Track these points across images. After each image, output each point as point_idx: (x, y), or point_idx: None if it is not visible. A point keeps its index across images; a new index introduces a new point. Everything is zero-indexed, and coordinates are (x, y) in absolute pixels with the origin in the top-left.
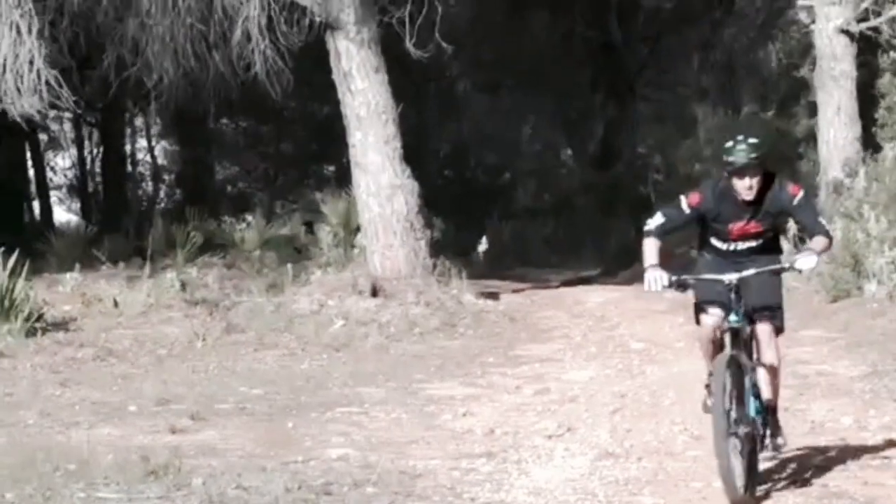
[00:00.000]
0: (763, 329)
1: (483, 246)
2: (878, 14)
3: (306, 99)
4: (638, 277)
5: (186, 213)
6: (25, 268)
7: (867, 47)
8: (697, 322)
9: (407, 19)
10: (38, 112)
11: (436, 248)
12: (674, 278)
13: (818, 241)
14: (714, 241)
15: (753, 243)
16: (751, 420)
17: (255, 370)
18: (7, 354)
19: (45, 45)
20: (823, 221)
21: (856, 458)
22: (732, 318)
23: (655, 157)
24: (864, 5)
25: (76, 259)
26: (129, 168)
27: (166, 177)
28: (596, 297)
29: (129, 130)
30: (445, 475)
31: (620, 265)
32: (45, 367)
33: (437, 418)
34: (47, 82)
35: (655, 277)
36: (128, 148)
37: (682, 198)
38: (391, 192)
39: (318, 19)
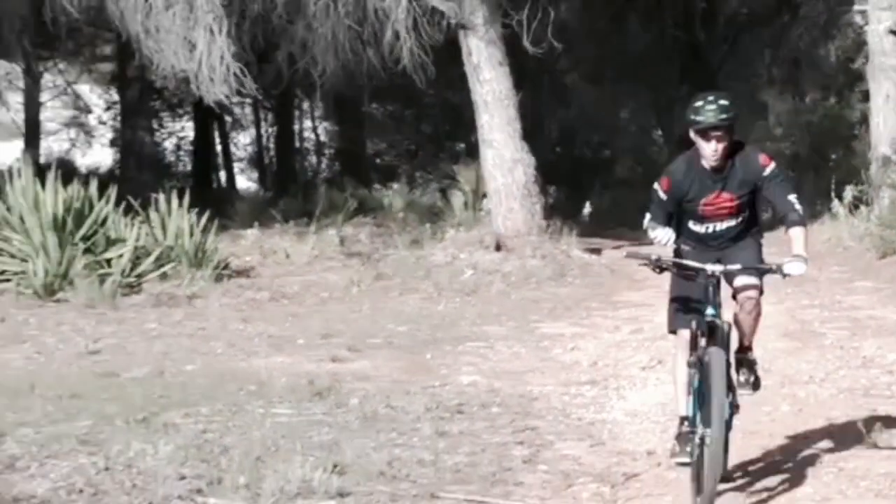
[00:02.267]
0: (748, 291)
1: (588, 209)
2: None
3: (442, 87)
4: None
5: (343, 182)
6: (214, 226)
7: None
8: (670, 330)
9: (525, 22)
10: (226, 98)
11: (549, 211)
12: (656, 256)
13: (799, 240)
14: (691, 226)
15: (731, 223)
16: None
17: (399, 311)
18: (200, 296)
19: (232, 43)
20: (796, 201)
21: None
22: (709, 311)
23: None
24: None
25: (255, 218)
26: (297, 144)
27: (327, 151)
28: None
29: (297, 113)
30: (557, 399)
31: None
32: (231, 306)
33: (549, 352)
34: (234, 74)
35: (664, 233)
36: (296, 127)
37: (656, 185)
38: (512, 165)
39: (453, 21)
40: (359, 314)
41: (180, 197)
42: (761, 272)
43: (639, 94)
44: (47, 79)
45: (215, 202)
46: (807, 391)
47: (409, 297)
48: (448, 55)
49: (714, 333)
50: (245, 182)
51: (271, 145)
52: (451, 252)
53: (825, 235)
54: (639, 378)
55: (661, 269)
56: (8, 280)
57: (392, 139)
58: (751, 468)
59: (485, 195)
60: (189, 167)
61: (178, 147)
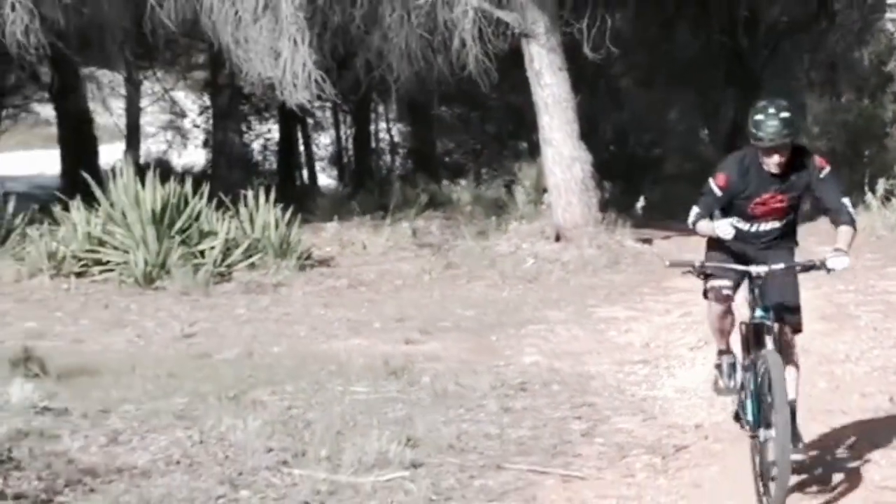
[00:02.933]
0: (790, 333)
1: (640, 203)
2: None
3: (506, 91)
4: None
5: (416, 178)
6: (298, 219)
7: None
8: (706, 296)
9: (585, 30)
10: (308, 102)
11: (604, 205)
12: (697, 262)
13: (845, 236)
14: (736, 223)
15: (776, 224)
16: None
17: (467, 297)
18: (285, 284)
19: (314, 52)
20: (849, 203)
21: None
22: (759, 312)
23: None
24: None
25: (334, 212)
26: (373, 144)
27: (400, 151)
28: None
29: (373, 116)
30: (612, 377)
31: None
32: (313, 293)
33: (604, 334)
34: (315, 80)
35: (726, 226)
36: (372, 129)
37: (711, 181)
38: (571, 162)
39: (516, 30)
40: (429, 300)
41: (267, 193)
42: (805, 268)
43: (687, 96)
44: (146, 86)
45: (298, 198)
46: (843, 369)
47: (475, 284)
48: (511, 61)
49: (763, 335)
50: (325, 179)
51: (349, 145)
52: (514, 242)
53: (859, 225)
54: (687, 357)
55: (706, 276)
56: (111, 270)
57: (459, 139)
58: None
59: (545, 190)
60: (274, 166)
61: (265, 147)
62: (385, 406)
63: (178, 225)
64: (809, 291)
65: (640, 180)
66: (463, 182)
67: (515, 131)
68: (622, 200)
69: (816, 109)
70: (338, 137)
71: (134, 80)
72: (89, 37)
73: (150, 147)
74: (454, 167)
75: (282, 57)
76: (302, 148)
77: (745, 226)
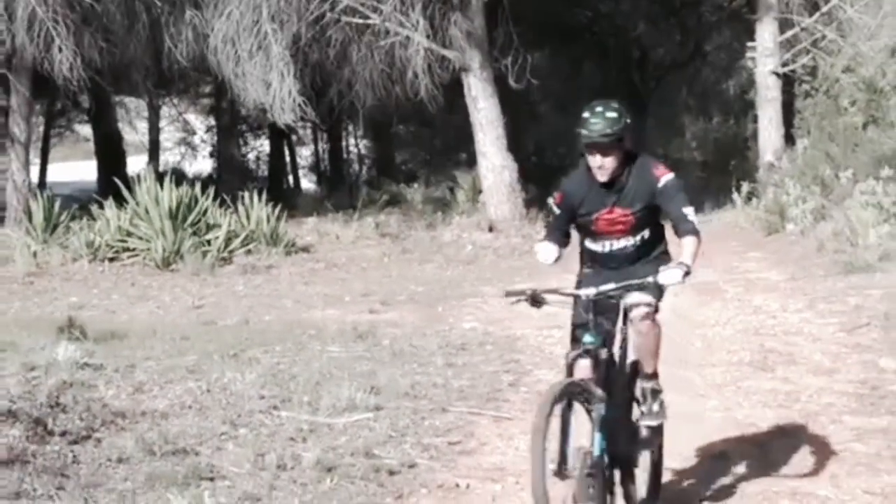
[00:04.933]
0: (639, 298)
1: None
2: (794, 62)
3: (449, 113)
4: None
5: (378, 183)
6: (285, 215)
7: (787, 81)
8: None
9: (510, 65)
10: (293, 122)
11: (527, 203)
12: (529, 290)
13: (688, 248)
14: (588, 244)
15: (628, 241)
16: (597, 459)
17: (419, 276)
18: (275, 266)
19: (297, 82)
20: (691, 213)
21: (782, 328)
22: (587, 338)
23: (658, 148)
24: (785, 57)
25: (314, 210)
26: (345, 156)
27: (366, 161)
28: None
29: (344, 133)
30: (533, 339)
31: None
32: (296, 273)
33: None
34: (299, 105)
35: (546, 251)
36: (343, 143)
37: (550, 201)
38: (500, 170)
39: (457, 65)
40: (389, 278)
41: (260, 194)
42: (632, 287)
43: None
44: (164, 110)
45: (285, 198)
46: (713, 332)
47: (425, 266)
48: (453, 89)
49: (597, 365)
50: (307, 183)
51: (326, 157)
52: (456, 233)
53: (727, 219)
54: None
55: (539, 304)
56: (137, 255)
57: (413, 151)
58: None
59: (480, 191)
60: (266, 173)
61: (258, 158)
62: (354, 362)
63: (190, 219)
64: None
65: (556, 184)
66: (416, 185)
67: (457, 145)
68: (541, 200)
69: (693, 129)
70: (316, 150)
71: (154, 105)
72: (119, 71)
73: (168, 158)
74: (409, 173)
75: (272, 87)
76: (288, 158)
77: (596, 246)
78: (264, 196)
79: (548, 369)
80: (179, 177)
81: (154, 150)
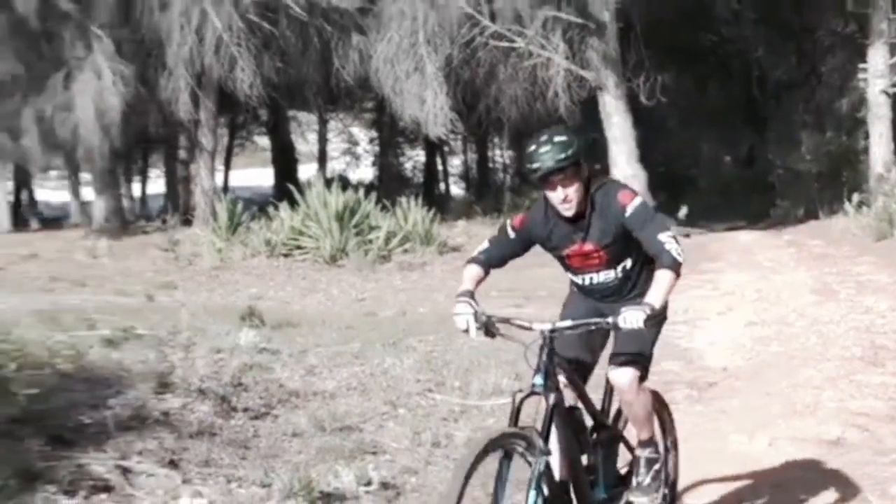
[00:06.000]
0: (620, 374)
1: (684, 210)
2: None
3: (585, 126)
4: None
5: (521, 189)
6: (437, 218)
7: None
8: None
9: (642, 84)
10: (444, 135)
11: (656, 209)
12: (484, 317)
13: (659, 284)
14: (570, 276)
15: (608, 275)
16: None
17: (556, 275)
18: (428, 264)
19: (449, 99)
20: (667, 239)
21: (892, 327)
22: (537, 379)
23: (777, 160)
24: (895, 78)
25: (463, 213)
26: (490, 165)
27: (510, 169)
28: (744, 236)
29: (490, 144)
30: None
31: (757, 220)
32: (448, 270)
33: None
34: (450, 119)
35: (461, 314)
36: (490, 154)
37: (508, 221)
38: (631, 179)
39: (593, 84)
40: (529, 276)
41: (415, 199)
42: (588, 326)
43: (714, 132)
44: (332, 124)
45: (438, 203)
46: (828, 329)
47: (555, 269)
48: (589, 106)
49: (551, 412)
50: (456, 190)
51: (474, 165)
52: None
53: (839, 226)
54: (715, 319)
55: (492, 334)
56: (308, 252)
57: None
58: (789, 381)
59: None
60: (421, 180)
61: (414, 167)
62: (499, 352)
63: (354, 221)
64: (803, 273)
65: (681, 192)
66: None
67: (592, 156)
68: (668, 206)
69: (809, 143)
70: (465, 160)
71: (323, 119)
72: (294, 89)
73: (334, 166)
74: None
75: (426, 103)
76: (440, 167)
77: (577, 279)
78: (419, 201)
79: (674, 360)
80: (344, 183)
81: (322, 159)
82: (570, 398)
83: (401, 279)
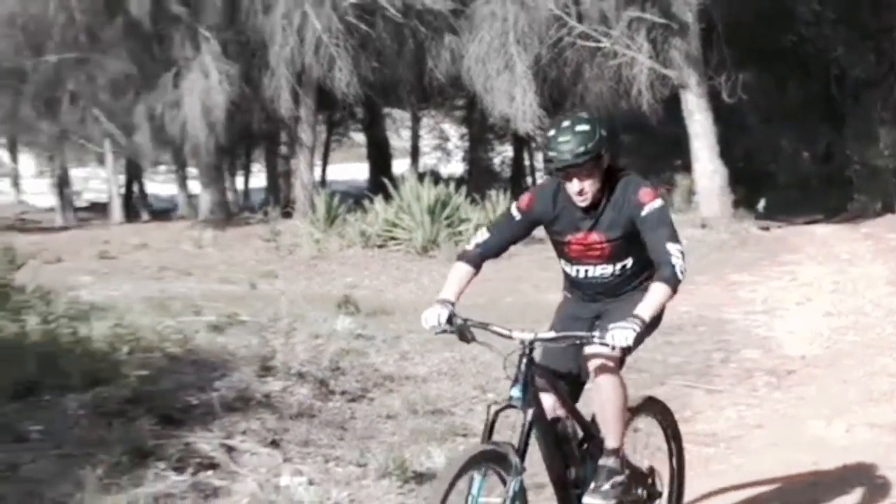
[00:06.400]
0: (593, 359)
1: (762, 203)
2: None
3: (667, 123)
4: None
5: None
6: None
7: None
8: None
9: (723, 82)
10: (532, 130)
11: (735, 203)
12: (459, 320)
13: (652, 297)
14: (564, 266)
15: (606, 269)
16: None
17: None
18: (515, 255)
19: (537, 96)
20: (675, 251)
21: None
22: (514, 391)
23: (854, 156)
24: None
25: None
26: None
27: None
28: (821, 230)
29: None
30: (741, 322)
31: (834, 214)
32: (534, 261)
33: (735, 292)
34: (537, 115)
35: (431, 312)
36: None
37: (514, 203)
38: (712, 174)
39: (676, 82)
40: None
41: (504, 192)
42: (579, 339)
43: (793, 129)
44: (424, 120)
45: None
46: None
47: None
48: (671, 103)
49: (529, 427)
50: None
51: None
52: None
53: None
54: (794, 309)
55: (466, 339)
56: (401, 243)
57: (635, 156)
58: (866, 369)
59: (694, 192)
60: (509, 174)
61: (503, 161)
62: None
63: (445, 213)
64: (879, 265)
65: (760, 187)
66: None
67: (673, 151)
68: (747, 200)
69: (887, 139)
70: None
71: (416, 116)
72: (388, 87)
73: (426, 161)
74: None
75: (515, 100)
76: (527, 162)
77: (570, 270)
78: (507, 194)
79: (754, 348)
80: (436, 177)
81: (415, 154)
82: (552, 408)
83: (490, 269)
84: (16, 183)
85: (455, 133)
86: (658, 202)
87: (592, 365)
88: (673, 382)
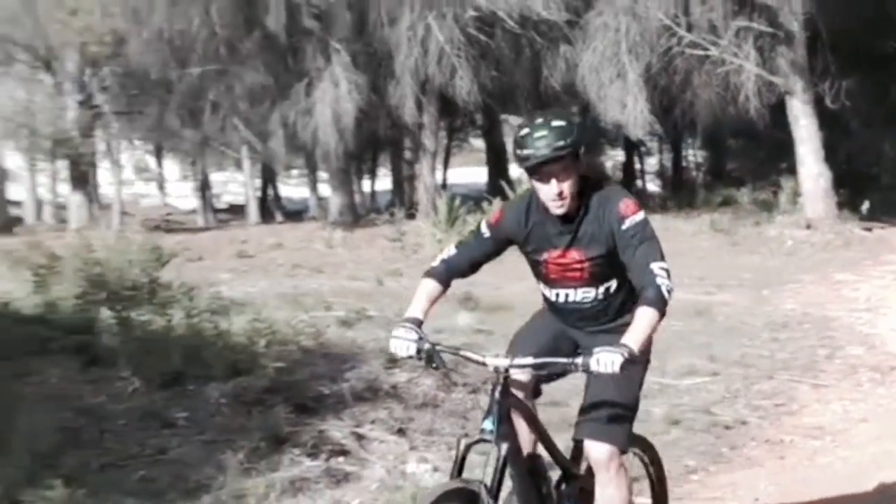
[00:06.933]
0: (596, 449)
1: (866, 205)
2: None
3: (773, 128)
4: None
5: (712, 186)
6: None
7: None
8: None
9: (827, 89)
10: (643, 136)
11: (839, 205)
12: (427, 347)
13: (639, 324)
14: (542, 289)
15: (588, 293)
16: None
17: (746, 265)
18: None
19: (647, 103)
20: (659, 270)
21: None
22: (486, 424)
23: None
24: None
25: (659, 208)
26: (684, 164)
27: (702, 168)
28: None
29: (684, 145)
30: (845, 319)
31: None
32: None
33: (839, 291)
34: (648, 122)
35: (401, 338)
36: (683, 153)
37: (484, 219)
38: (817, 176)
39: (782, 89)
40: (721, 266)
41: None
42: (553, 365)
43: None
44: None
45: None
46: None
47: (752, 257)
48: (777, 109)
49: (503, 464)
50: (652, 187)
51: (668, 164)
52: (778, 229)
53: None
54: None
55: (435, 366)
56: None
57: (742, 160)
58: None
59: (799, 194)
60: (620, 177)
61: (614, 165)
62: (694, 335)
63: None
64: None
65: (864, 189)
66: (744, 189)
67: (779, 155)
68: (851, 202)
69: None
70: (660, 159)
71: None
72: (506, 95)
73: None
74: (738, 179)
75: (627, 107)
76: (637, 166)
77: (549, 293)
78: None
79: (858, 345)
80: None
81: None
82: (528, 443)
83: None
84: (161, 187)
85: None
86: (640, 215)
87: (594, 454)
88: (780, 377)
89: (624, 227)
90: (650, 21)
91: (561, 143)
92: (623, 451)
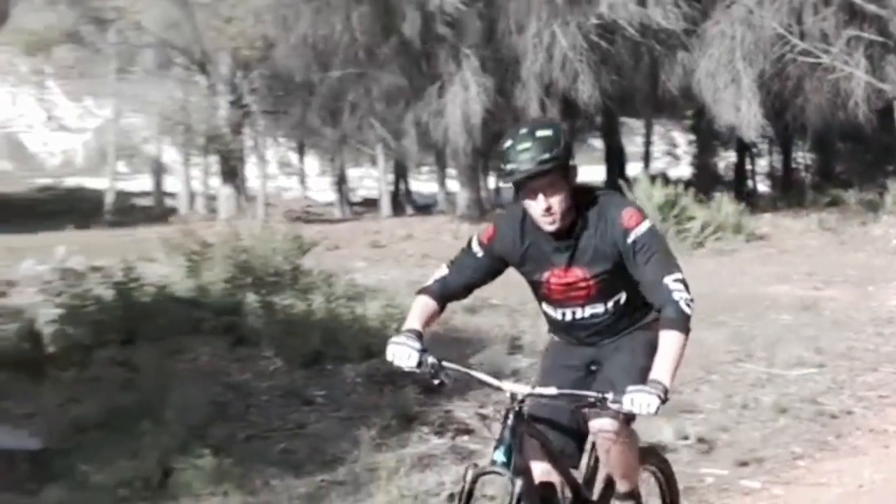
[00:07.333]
0: (603, 423)
1: None
2: None
3: (881, 132)
4: None
5: (821, 187)
6: (746, 210)
7: None
8: None
9: None
10: (755, 138)
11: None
12: (432, 360)
13: (667, 354)
14: (546, 309)
15: (597, 309)
16: None
17: (852, 262)
18: (737, 250)
19: (760, 107)
20: (676, 284)
21: None
22: (497, 455)
23: None
24: None
25: (769, 207)
26: (794, 165)
27: (811, 170)
28: None
29: (794, 147)
30: None
31: None
32: (754, 257)
33: None
34: (760, 125)
35: (402, 345)
36: (793, 156)
37: (475, 235)
38: None
39: (891, 95)
40: (828, 263)
41: (727, 194)
42: (577, 399)
43: None
44: (655, 128)
45: (746, 197)
46: None
47: (858, 255)
48: (885, 114)
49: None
50: (763, 187)
51: (779, 166)
52: (884, 228)
53: None
54: None
55: (440, 382)
56: None
57: (849, 163)
58: None
59: None
60: (732, 178)
61: (726, 166)
62: (801, 328)
63: (674, 212)
64: None
65: None
66: (851, 190)
67: (885, 158)
68: None
69: None
70: (771, 161)
71: (649, 124)
72: (625, 98)
73: (657, 165)
74: (845, 181)
75: (741, 111)
76: (749, 167)
77: (555, 313)
78: (731, 195)
79: None
80: (665, 179)
81: (647, 158)
82: (541, 472)
83: (713, 263)
84: (302, 181)
85: (683, 140)
86: (645, 225)
87: (599, 438)
88: (884, 370)
89: (629, 240)
90: (764, 30)
91: (546, 155)
92: (628, 422)
